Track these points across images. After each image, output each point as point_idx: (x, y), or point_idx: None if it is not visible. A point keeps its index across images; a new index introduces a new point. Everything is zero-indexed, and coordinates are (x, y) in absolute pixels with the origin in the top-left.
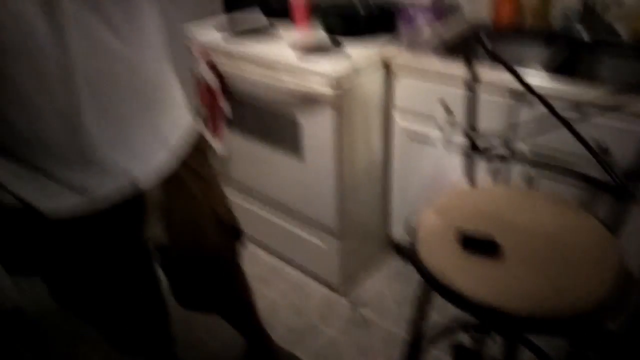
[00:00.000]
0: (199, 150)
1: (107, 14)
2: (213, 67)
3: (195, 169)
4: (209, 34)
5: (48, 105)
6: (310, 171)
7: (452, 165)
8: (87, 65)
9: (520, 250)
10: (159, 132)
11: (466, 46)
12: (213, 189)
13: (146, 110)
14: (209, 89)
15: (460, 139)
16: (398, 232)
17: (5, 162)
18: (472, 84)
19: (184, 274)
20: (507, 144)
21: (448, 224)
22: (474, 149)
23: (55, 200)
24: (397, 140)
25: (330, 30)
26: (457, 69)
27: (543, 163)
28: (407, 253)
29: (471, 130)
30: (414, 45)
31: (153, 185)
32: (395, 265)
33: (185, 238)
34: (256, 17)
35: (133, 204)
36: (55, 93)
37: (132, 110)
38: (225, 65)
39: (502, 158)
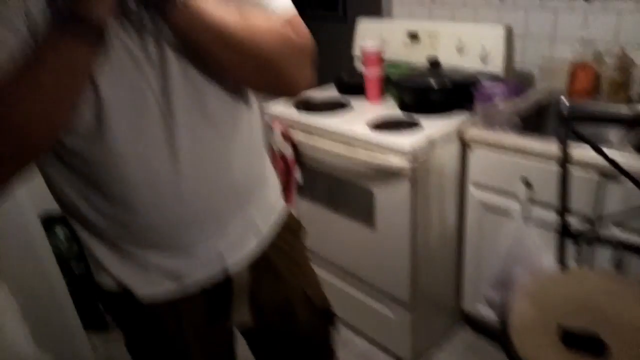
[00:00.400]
0: (289, 230)
1: (213, 115)
2: (287, 137)
3: (285, 250)
4: (284, 108)
5: (155, 202)
6: (382, 241)
7: (531, 240)
8: (191, 163)
9: (628, 350)
10: (252, 221)
11: (545, 121)
12: (304, 270)
13: (242, 201)
14: (282, 158)
15: (539, 214)
16: (471, 305)
17: (110, 247)
18: (560, 162)
19: (272, 355)
20: (596, 225)
21: (544, 315)
22: (564, 231)
23: (151, 286)
24: (472, 213)
25: (404, 106)
26: (535, 143)
27: (635, 246)
28: (500, 340)
29: (562, 211)
30: (490, 120)
31: (242, 270)
32: (467, 338)
33: (275, 320)
34: (330, 93)
35: (220, 287)
36: (164, 192)
37: (229, 203)
38: (299, 137)
39: (592, 240)
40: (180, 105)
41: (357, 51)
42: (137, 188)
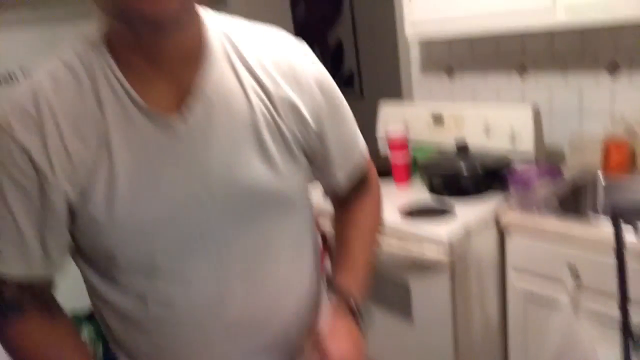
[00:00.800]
0: None
1: (275, 249)
2: (317, 226)
3: None
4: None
5: (203, 340)
6: (422, 336)
7: (584, 334)
8: (243, 302)
9: None
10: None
11: (583, 201)
12: None
13: (292, 333)
14: None
15: (590, 304)
16: None
17: None
18: (616, 257)
19: None
20: None
21: None
22: (627, 332)
23: None
24: (515, 303)
25: (434, 189)
26: (577, 228)
27: None
28: None
29: (623, 311)
30: (527, 204)
31: None
32: None
33: None
34: None
35: None
36: (212, 332)
37: (280, 335)
38: (328, 226)
39: None
40: (240, 253)
41: (380, 133)
42: (186, 330)
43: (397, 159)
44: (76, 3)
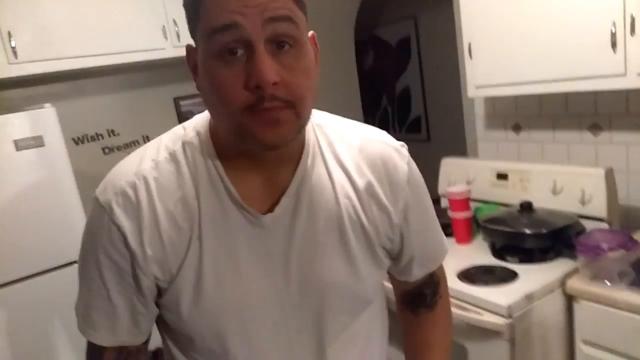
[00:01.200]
0: None
1: (346, 338)
2: None
3: None
4: None
5: None
6: None
7: None
8: None
9: None
10: None
11: None
12: None
13: None
14: None
15: None
16: None
17: None
18: None
19: None
20: None
21: None
22: None
23: None
24: None
25: (496, 251)
26: None
27: None
28: None
29: None
30: (599, 272)
31: None
32: None
33: None
34: None
35: None
36: None
37: None
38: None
39: None
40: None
41: (441, 190)
42: None
43: (459, 216)
44: (155, 68)
